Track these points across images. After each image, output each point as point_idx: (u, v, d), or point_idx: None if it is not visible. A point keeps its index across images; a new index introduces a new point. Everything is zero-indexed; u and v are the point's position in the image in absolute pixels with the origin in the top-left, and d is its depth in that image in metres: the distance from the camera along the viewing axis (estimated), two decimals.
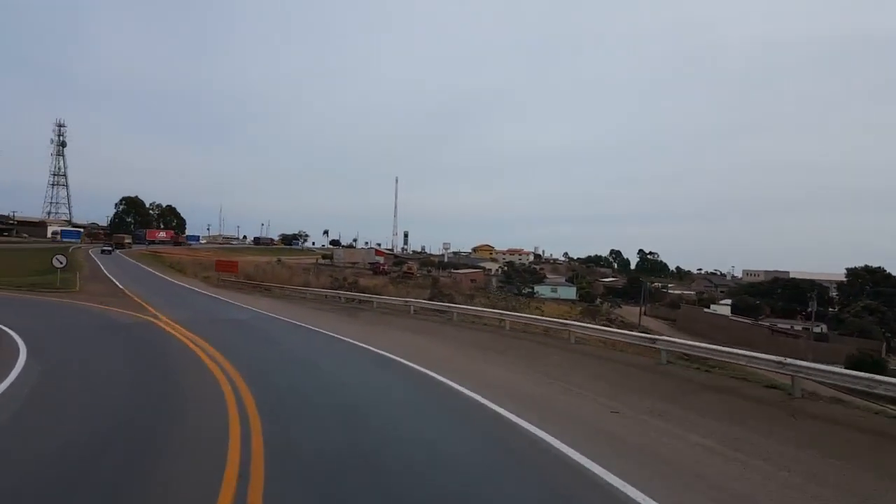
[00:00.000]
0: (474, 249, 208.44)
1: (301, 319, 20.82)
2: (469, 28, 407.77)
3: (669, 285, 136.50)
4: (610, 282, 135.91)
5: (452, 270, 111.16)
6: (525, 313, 28.77)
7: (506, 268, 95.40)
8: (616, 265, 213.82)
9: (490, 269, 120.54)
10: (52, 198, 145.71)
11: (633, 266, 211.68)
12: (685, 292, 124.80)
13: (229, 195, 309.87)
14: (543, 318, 20.17)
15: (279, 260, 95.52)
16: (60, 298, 25.65)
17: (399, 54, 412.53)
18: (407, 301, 24.45)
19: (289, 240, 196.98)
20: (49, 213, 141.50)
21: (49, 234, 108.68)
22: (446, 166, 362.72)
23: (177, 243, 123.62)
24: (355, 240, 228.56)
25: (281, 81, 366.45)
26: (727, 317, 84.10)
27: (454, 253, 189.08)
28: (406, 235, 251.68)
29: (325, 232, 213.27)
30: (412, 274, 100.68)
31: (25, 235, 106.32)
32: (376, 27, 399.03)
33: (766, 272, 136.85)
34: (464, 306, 22.51)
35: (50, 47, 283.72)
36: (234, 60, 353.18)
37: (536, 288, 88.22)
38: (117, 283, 35.60)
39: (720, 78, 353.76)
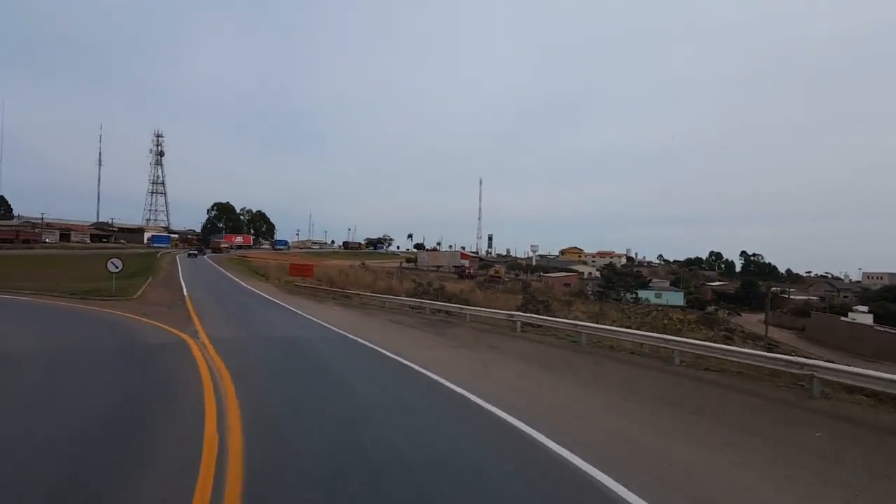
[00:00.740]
0: (562, 252, 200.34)
1: (378, 340, 15.39)
2: (551, 28, 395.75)
3: (790, 290, 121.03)
4: (718, 286, 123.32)
5: (542, 274, 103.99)
6: (663, 332, 22.03)
7: (604, 270, 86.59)
8: (718, 268, 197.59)
9: (582, 273, 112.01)
10: (151, 205, 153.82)
11: (737, 269, 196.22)
12: (810, 298, 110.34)
13: (318, 201, 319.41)
14: (737, 349, 13.47)
15: (363, 264, 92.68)
16: (103, 308, 22.07)
17: (482, 57, 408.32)
18: (513, 316, 18.43)
19: (373, 243, 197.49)
20: (148, 220, 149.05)
21: (145, 241, 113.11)
22: (530, 168, 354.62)
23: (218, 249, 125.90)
24: (439, 243, 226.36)
25: (368, 90, 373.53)
26: (871, 326, 71.29)
27: (541, 256, 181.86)
28: (490, 238, 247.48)
29: (410, 235, 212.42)
30: (500, 278, 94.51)
31: (124, 242, 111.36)
32: (457, 31, 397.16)
33: (891, 274, 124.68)
34: (596, 325, 16.18)
35: (150, 66, 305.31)
36: (323, 72, 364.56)
37: (640, 293, 79.21)
38: (184, 289, 32.42)
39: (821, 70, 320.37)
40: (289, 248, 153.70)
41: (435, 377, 10.54)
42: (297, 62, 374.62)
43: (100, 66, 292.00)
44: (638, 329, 17.15)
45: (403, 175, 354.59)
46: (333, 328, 18.30)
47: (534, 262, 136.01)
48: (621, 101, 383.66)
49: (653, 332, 16.45)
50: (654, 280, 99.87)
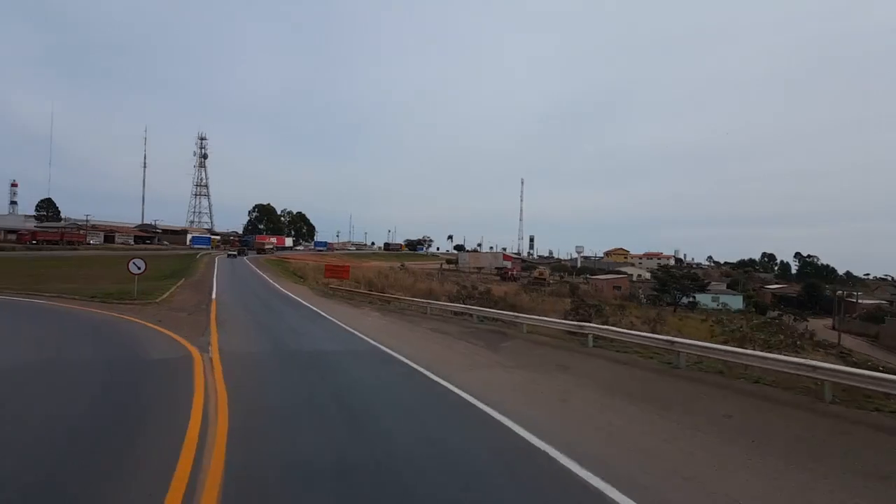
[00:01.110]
0: (607, 254, 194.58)
1: (420, 356, 12.55)
2: (593, 24, 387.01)
3: (857, 293, 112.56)
4: (777, 289, 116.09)
5: (589, 276, 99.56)
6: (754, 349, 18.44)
7: (658, 272, 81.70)
8: (772, 270, 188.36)
9: (630, 275, 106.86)
10: (195, 207, 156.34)
11: (792, 270, 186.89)
12: (880, 302, 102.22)
13: (358, 203, 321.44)
14: None
15: (403, 265, 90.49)
16: (118, 313, 19.96)
17: (525, 56, 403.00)
18: (583, 327, 15.17)
19: (413, 245, 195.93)
20: (192, 222, 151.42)
21: (188, 242, 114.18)
22: (573, 168, 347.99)
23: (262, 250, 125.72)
24: (479, 244, 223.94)
25: (407, 93, 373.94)
26: None
27: (585, 258, 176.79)
28: (532, 240, 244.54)
29: (450, 237, 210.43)
30: (544, 280, 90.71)
31: (166, 243, 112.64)
32: (495, 30, 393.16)
33: None
34: (701, 343, 12.80)
35: (195, 71, 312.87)
36: (364, 75, 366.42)
37: (697, 297, 74.04)
38: (213, 291, 30.50)
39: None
40: (330, 249, 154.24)
41: (499, 417, 7.66)
42: (338, 66, 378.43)
43: (145, 71, 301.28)
44: (749, 348, 13.66)
45: (444, 176, 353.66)
46: (369, 340, 15.57)
47: (579, 264, 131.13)
48: (669, 98, 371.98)
49: (782, 354, 12.93)
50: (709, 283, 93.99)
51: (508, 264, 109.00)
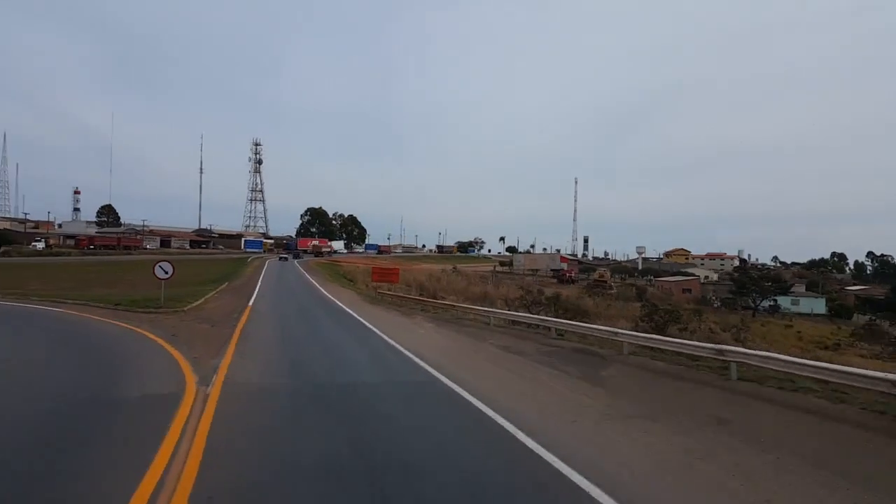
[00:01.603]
0: (666, 254, 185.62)
1: (495, 394, 8.71)
2: (650, 19, 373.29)
3: None
4: (859, 290, 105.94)
5: (653, 278, 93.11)
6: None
7: (735, 273, 74.79)
8: (844, 270, 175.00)
9: (699, 276, 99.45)
10: (250, 212, 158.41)
11: (868, 270, 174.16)
12: None
13: (409, 206, 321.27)
14: None
15: (455, 268, 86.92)
16: (134, 324, 17.10)
17: (573, 54, 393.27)
18: (723, 353, 10.78)
19: (464, 247, 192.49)
20: (247, 226, 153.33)
21: (242, 246, 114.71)
22: (628, 168, 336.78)
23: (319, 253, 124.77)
24: (532, 246, 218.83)
25: (457, 94, 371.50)
26: None
27: (643, 259, 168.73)
28: (586, 240, 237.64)
29: (502, 238, 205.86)
30: (605, 282, 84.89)
31: (221, 247, 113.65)
32: (547, 28, 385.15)
33: None
34: None
35: (250, 79, 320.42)
36: (414, 77, 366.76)
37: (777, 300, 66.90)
38: (252, 298, 27.78)
39: None
40: (385, 252, 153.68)
41: None
42: (387, 69, 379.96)
43: (202, 81, 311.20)
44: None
45: (495, 178, 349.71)
46: (422, 364, 11.88)
47: (640, 266, 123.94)
48: (729, 95, 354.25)
49: None
50: (792, 285, 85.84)
51: (564, 266, 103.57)
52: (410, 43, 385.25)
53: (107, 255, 71.80)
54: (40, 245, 74.91)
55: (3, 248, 65.19)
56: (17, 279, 38.86)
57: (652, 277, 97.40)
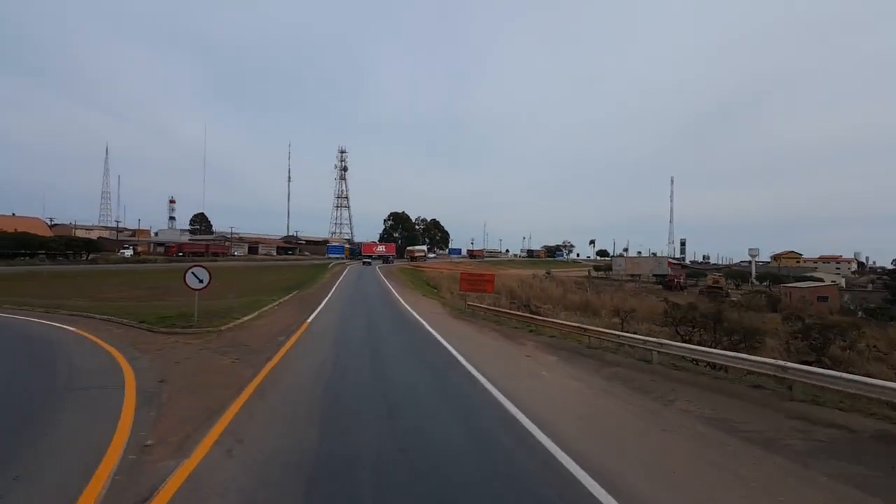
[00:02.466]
0: (774, 257, 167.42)
1: None
2: (742, 6, 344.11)
3: None
4: None
5: (775, 284, 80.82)
6: None
7: (886, 278, 62.11)
8: None
9: (831, 282, 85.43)
10: (336, 219, 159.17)
11: None
12: None
13: (491, 211, 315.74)
14: None
15: (548, 273, 79.67)
16: (128, 351, 12.16)
17: (661, 50, 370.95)
18: None
19: (552, 251, 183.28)
20: (333, 232, 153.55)
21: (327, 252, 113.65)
22: (719, 168, 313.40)
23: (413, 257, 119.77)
24: (626, 249, 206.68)
25: (542, 97, 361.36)
26: None
27: (747, 262, 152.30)
28: (683, 243, 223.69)
29: (592, 242, 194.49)
30: (721, 288, 74.17)
31: (307, 253, 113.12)
32: (632, 25, 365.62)
33: None
34: None
35: (338, 93, 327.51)
36: (495, 80, 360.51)
37: None
38: (315, 311, 22.75)
39: None
40: (476, 256, 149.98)
41: None
42: (470, 73, 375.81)
43: (290, 93, 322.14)
44: None
45: (582, 180, 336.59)
46: (568, 462, 5.65)
47: (754, 270, 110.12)
48: (837, 87, 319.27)
49: None
50: None
51: (669, 270, 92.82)
52: (490, 47, 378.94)
53: (191, 263, 71.42)
54: (128, 252, 76.09)
55: (91, 256, 65.90)
56: (84, 286, 36.81)
57: (768, 283, 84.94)
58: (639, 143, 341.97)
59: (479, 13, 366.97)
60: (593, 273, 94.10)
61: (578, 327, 16.05)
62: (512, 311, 23.51)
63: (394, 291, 37.04)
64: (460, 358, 12.51)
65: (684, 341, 19.04)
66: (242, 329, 17.01)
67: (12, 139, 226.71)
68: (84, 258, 65.40)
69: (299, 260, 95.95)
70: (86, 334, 15.46)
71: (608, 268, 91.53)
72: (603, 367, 12.07)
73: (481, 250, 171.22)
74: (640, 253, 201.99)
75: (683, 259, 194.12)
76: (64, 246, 63.81)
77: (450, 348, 13.97)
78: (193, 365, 11.07)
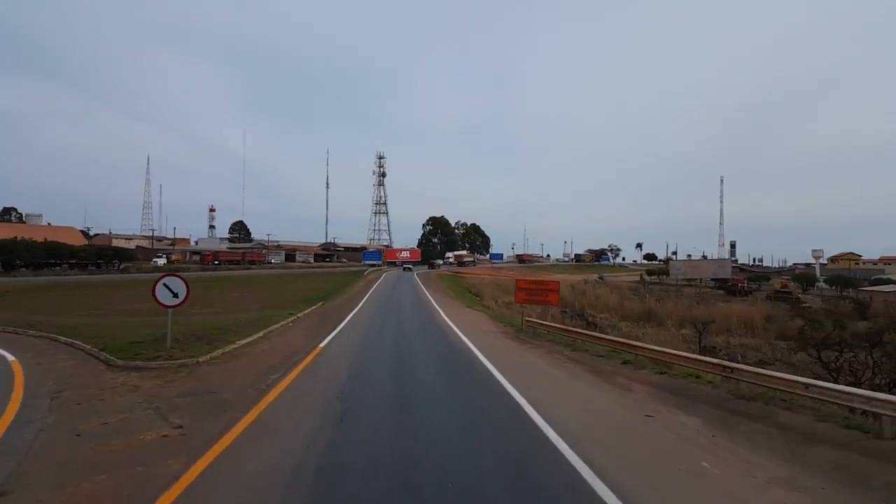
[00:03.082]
0: (832, 259, 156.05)
1: None
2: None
3: None
4: None
5: (845, 288, 72.62)
6: None
7: None
8: None
9: None
10: (374, 225, 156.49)
11: None
12: None
13: (530, 215, 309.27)
14: None
15: (601, 277, 73.80)
16: (52, 399, 8.01)
17: (706, 46, 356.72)
18: None
19: (597, 255, 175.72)
20: (371, 239, 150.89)
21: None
22: (772, 167, 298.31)
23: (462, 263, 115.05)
24: (675, 252, 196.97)
25: (580, 100, 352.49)
26: None
27: (805, 265, 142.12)
28: (733, 246, 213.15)
29: (638, 245, 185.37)
30: (790, 293, 66.69)
31: (345, 260, 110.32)
32: (675, 22, 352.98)
33: None
34: None
35: (375, 100, 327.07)
36: (535, 82, 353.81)
37: None
38: (337, 329, 18.40)
39: None
40: (528, 261, 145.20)
41: None
42: (509, 77, 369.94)
43: (328, 102, 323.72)
44: None
45: (625, 183, 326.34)
46: None
47: (818, 273, 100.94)
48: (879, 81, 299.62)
49: None
50: None
51: (732, 274, 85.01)
52: (531, 49, 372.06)
53: (226, 271, 68.83)
54: (161, 261, 74.27)
55: (123, 265, 63.90)
56: (101, 297, 33.78)
57: (839, 287, 76.53)
58: (682, 144, 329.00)
59: (520, 17, 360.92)
60: (646, 278, 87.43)
61: (705, 361, 10.85)
62: (589, 332, 18.53)
63: (432, 302, 32.49)
64: (547, 430, 7.49)
65: (834, 372, 13.75)
66: (231, 360, 12.66)
67: (57, 150, 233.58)
68: (116, 267, 63.46)
69: (336, 267, 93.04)
70: (17, 368, 11.39)
71: (661, 272, 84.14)
72: (803, 447, 6.96)
73: (530, 255, 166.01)
74: (690, 256, 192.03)
75: (735, 261, 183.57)
76: (94, 255, 61.92)
77: (523, 404, 8.92)
78: (98, 439, 6.65)
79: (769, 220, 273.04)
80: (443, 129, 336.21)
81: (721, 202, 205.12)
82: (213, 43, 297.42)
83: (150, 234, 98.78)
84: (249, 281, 53.84)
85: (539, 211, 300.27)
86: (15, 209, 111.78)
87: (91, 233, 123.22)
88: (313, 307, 26.13)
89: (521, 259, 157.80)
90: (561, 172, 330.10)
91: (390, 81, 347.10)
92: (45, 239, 58.54)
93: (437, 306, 29.33)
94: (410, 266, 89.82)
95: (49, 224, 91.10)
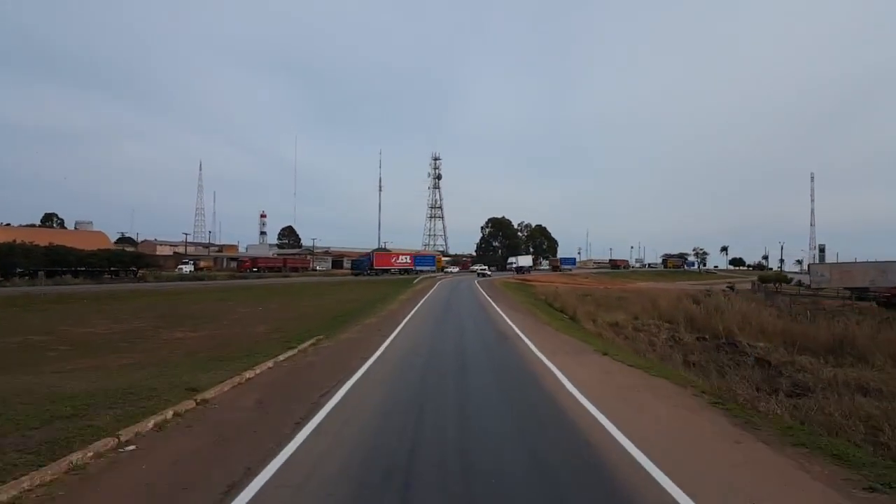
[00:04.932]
0: None
1: None
2: None
3: None
4: None
5: None
6: None
7: None
8: None
9: None
10: (429, 230, 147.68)
11: None
12: None
13: (593, 219, 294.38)
14: None
15: (731, 287, 59.67)
16: None
17: (786, 36, 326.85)
18: None
19: (676, 261, 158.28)
20: (426, 244, 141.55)
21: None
22: (865, 162, 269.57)
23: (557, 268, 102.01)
24: (766, 256, 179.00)
25: (646, 101, 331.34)
26: None
27: None
28: (822, 250, 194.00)
29: (724, 248, 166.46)
30: None
31: None
32: (742, 18, 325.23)
33: None
34: None
35: (433, 107, 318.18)
36: (597, 86, 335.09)
37: None
38: (369, 361, 10.25)
39: None
40: (622, 266, 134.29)
41: None
42: (570, 77, 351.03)
43: (385, 109, 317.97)
44: None
45: (697, 185, 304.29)
46: None
47: None
48: None
49: None
50: None
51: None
52: (594, 49, 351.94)
53: (257, 279, 59.66)
54: (187, 268, 66.59)
55: (141, 272, 55.82)
56: (75, 315, 24.67)
57: None
58: (756, 144, 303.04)
59: (582, 19, 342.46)
60: (758, 285, 72.11)
61: None
62: None
63: (508, 322, 20.92)
64: None
65: None
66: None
67: (121, 163, 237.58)
68: (134, 275, 55.48)
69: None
70: None
71: (778, 279, 67.41)
72: None
73: (624, 261, 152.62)
74: (782, 261, 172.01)
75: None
76: (106, 262, 54.00)
77: None
78: None
79: (859, 221, 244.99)
80: (501, 134, 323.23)
81: (812, 201, 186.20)
82: (262, 50, 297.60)
83: (184, 240, 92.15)
84: (277, 290, 43.88)
85: (602, 215, 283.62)
86: (56, 215, 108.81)
87: (139, 240, 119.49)
88: (316, 341, 15.16)
89: (614, 264, 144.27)
90: (625, 176, 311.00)
91: (445, 88, 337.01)
92: (50, 243, 50.80)
93: (517, 331, 17.86)
94: (486, 270, 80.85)
95: (76, 227, 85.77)
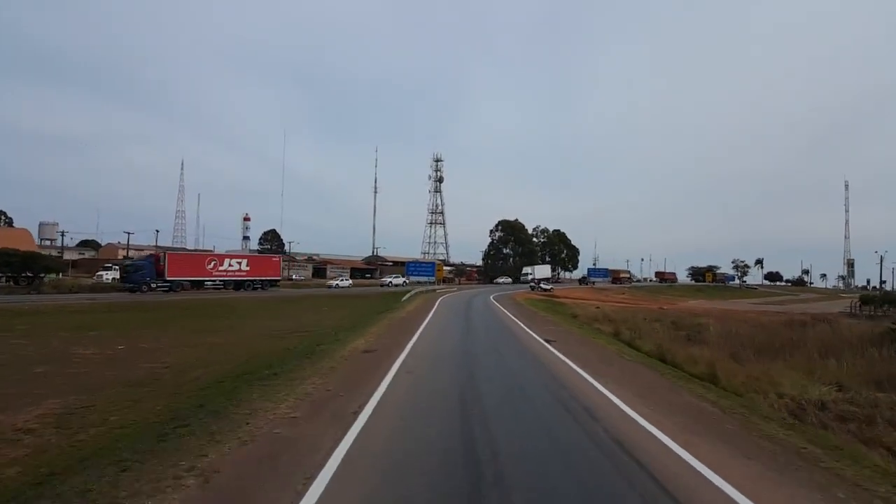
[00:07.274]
0: None
1: None
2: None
3: None
4: None
5: None
6: None
7: None
8: None
9: None
10: (430, 237, 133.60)
11: None
12: None
13: (602, 232, 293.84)
14: None
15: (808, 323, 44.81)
16: None
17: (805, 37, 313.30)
18: None
19: (704, 274, 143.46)
20: (425, 252, 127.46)
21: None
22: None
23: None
24: (807, 271, 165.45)
25: (659, 111, 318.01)
26: None
27: None
28: (851, 265, 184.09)
29: (758, 261, 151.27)
30: None
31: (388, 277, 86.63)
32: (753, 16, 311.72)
33: None
34: None
35: (435, 122, 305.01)
36: (609, 93, 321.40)
37: None
38: None
39: None
40: (670, 280, 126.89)
41: None
42: (578, 86, 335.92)
43: (381, 113, 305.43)
44: None
45: (706, 197, 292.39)
46: None
47: None
48: None
49: None
50: None
51: None
52: (600, 59, 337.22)
53: (190, 295, 44.95)
54: (109, 275, 52.89)
55: (37, 280, 41.55)
56: None
57: None
58: (779, 154, 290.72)
59: (589, 26, 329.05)
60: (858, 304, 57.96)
61: None
62: None
63: (565, 360, 8.27)
64: None
65: None
66: None
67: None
68: (29, 282, 41.19)
69: (370, 286, 69.99)
70: None
71: (886, 300, 52.78)
72: None
73: (672, 274, 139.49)
74: (824, 277, 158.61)
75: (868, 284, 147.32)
76: None
77: None
78: None
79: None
80: (503, 145, 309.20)
81: (847, 212, 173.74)
82: (255, 51, 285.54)
83: (153, 243, 78.13)
84: (203, 313, 29.42)
85: (610, 228, 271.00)
86: (4, 213, 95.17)
87: (103, 242, 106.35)
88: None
89: (662, 277, 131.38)
90: (636, 188, 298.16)
91: (449, 93, 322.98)
92: None
93: (578, 370, 6.71)
94: (537, 278, 66.87)
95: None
